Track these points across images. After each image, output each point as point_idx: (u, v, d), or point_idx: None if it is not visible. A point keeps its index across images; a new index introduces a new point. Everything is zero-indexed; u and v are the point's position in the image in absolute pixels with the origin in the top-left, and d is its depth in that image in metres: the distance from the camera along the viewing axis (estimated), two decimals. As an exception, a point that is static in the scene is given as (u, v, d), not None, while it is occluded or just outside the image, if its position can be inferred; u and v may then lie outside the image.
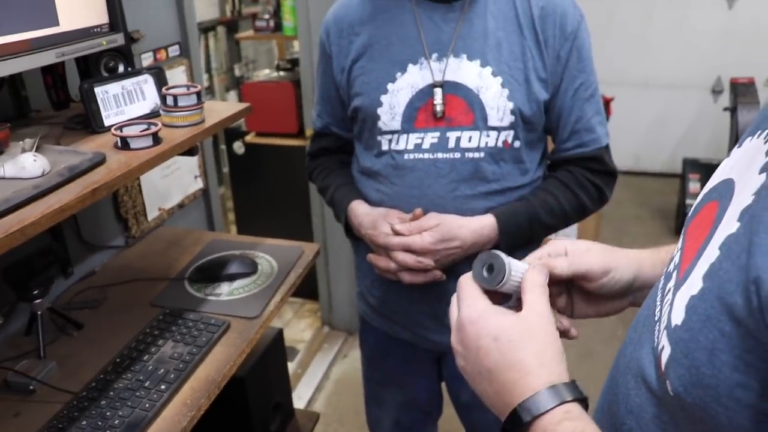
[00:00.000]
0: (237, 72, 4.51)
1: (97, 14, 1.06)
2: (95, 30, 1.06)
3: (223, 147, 3.34)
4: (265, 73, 3.35)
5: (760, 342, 0.42)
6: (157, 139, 1.03)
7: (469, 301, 0.66)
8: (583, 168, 1.36)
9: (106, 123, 1.11)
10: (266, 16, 3.11)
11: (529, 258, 0.79)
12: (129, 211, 1.61)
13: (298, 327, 3.23)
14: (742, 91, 3.65)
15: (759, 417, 0.43)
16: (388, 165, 1.35)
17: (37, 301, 1.22)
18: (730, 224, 0.48)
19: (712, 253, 0.48)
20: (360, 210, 1.38)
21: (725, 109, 3.78)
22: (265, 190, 3.21)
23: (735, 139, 3.57)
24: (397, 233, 1.28)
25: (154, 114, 1.17)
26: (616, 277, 0.77)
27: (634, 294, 0.80)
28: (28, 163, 0.87)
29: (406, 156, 1.32)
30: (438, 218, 1.28)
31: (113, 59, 1.18)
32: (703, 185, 2.98)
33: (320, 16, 2.65)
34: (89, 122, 1.10)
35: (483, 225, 1.29)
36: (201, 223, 1.90)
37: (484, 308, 0.65)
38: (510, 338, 0.61)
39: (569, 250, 0.79)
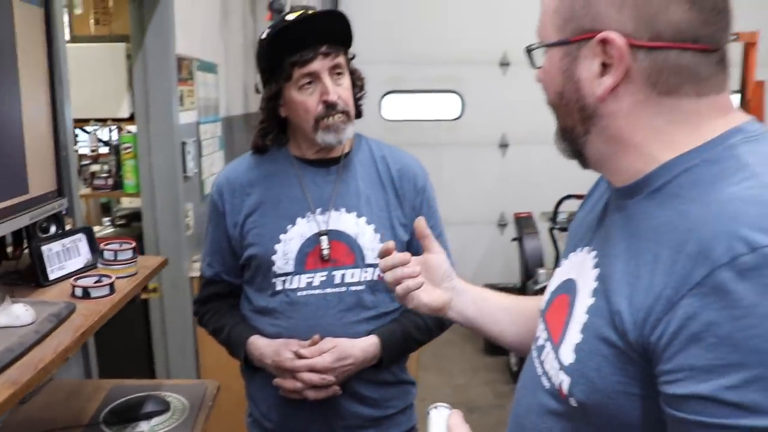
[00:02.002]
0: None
1: (50, 181, 1.25)
2: (49, 195, 1.24)
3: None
4: (96, 230, 3.44)
5: (626, 353, 0.74)
6: (112, 288, 1.21)
7: None
8: (438, 293, 1.71)
9: (51, 277, 1.26)
10: (104, 175, 3.24)
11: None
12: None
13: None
14: (524, 223, 4.38)
15: (637, 401, 0.74)
16: (283, 302, 1.60)
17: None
18: (586, 300, 0.82)
19: (581, 318, 0.82)
20: (260, 342, 1.60)
21: (513, 239, 4.48)
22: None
23: (525, 263, 4.23)
24: (301, 357, 1.52)
25: (88, 267, 1.34)
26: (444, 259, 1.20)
27: (451, 291, 1.18)
28: (21, 312, 1.02)
29: (299, 293, 1.58)
30: (333, 341, 1.54)
31: (47, 220, 1.35)
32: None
33: (164, 174, 2.88)
34: (36, 277, 1.24)
35: (369, 344, 1.57)
36: (79, 374, 1.97)
37: None
38: None
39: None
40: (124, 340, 3.04)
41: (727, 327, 0.64)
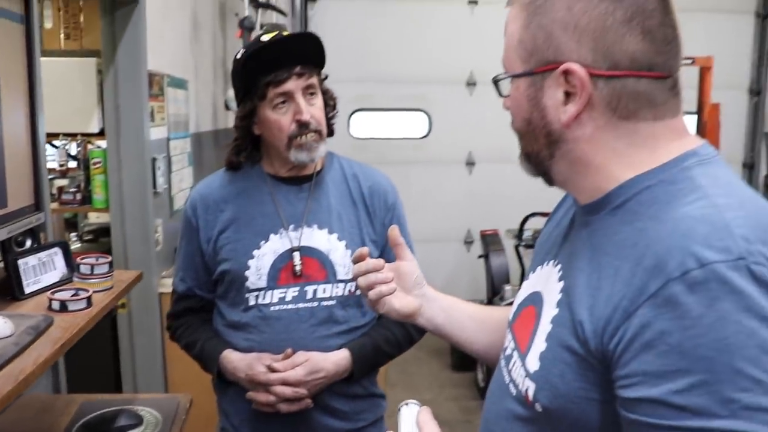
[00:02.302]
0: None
1: (28, 195, 1.26)
2: (27, 209, 1.26)
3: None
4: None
5: (587, 360, 0.79)
6: (90, 301, 1.23)
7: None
8: (408, 307, 1.75)
9: (27, 291, 1.27)
10: (73, 190, 3.22)
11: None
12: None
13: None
14: (490, 240, 4.45)
15: (597, 406, 0.79)
16: (256, 317, 1.62)
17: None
18: (551, 311, 0.87)
19: (546, 328, 0.87)
20: (233, 357, 1.62)
21: (479, 256, 4.55)
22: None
23: (491, 280, 4.30)
24: (274, 370, 1.54)
25: (64, 281, 1.35)
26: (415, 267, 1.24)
27: (422, 298, 1.21)
28: (0, 324, 1.04)
29: (272, 308, 1.61)
30: (306, 355, 1.57)
31: (22, 234, 1.36)
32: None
33: (134, 190, 2.88)
34: (12, 290, 1.25)
35: (341, 357, 1.60)
36: (48, 388, 1.95)
37: None
38: None
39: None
40: (91, 356, 3.01)
41: (677, 336, 0.69)
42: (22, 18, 1.22)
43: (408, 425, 0.99)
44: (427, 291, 1.23)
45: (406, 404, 1.02)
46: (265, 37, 1.57)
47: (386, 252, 1.71)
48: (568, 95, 0.83)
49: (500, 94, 0.93)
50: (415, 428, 0.96)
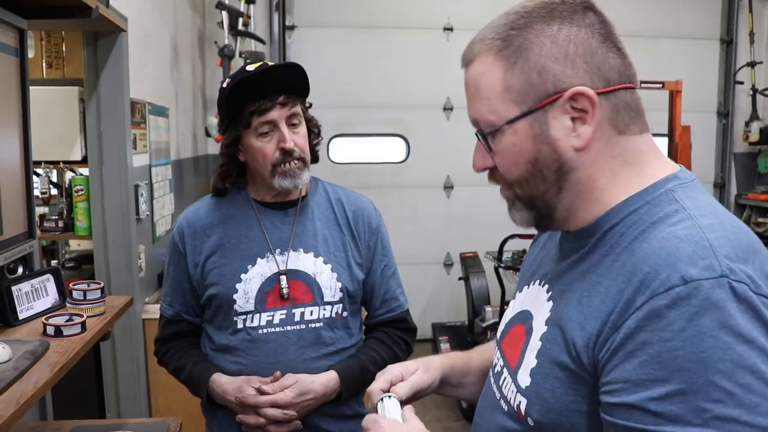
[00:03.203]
0: None
1: (21, 222, 1.29)
2: (20, 236, 1.28)
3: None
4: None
5: (579, 375, 0.84)
6: (84, 326, 1.25)
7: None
8: (393, 328, 1.78)
9: (20, 317, 1.29)
10: (54, 217, 3.22)
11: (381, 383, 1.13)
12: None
13: None
14: (470, 263, 4.49)
15: (587, 417, 0.84)
16: (244, 340, 1.65)
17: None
18: (540, 329, 0.92)
19: (536, 345, 0.91)
20: (222, 380, 1.64)
21: (459, 278, 4.60)
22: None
23: (471, 301, 4.34)
24: (263, 393, 1.56)
25: (56, 307, 1.37)
26: (434, 385, 1.18)
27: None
28: (-2, 350, 1.06)
29: (260, 331, 1.64)
30: (294, 377, 1.59)
31: (14, 261, 1.38)
32: (451, 345, 3.72)
33: (117, 216, 2.89)
34: (5, 316, 1.27)
35: (329, 379, 1.62)
36: (35, 416, 1.95)
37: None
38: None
39: (404, 374, 1.17)
40: (74, 382, 2.99)
41: (657, 347, 0.74)
42: (17, 51, 1.26)
43: (395, 414, 1.03)
44: (439, 381, 1.20)
45: (389, 396, 1.07)
46: (251, 67, 1.61)
47: (371, 274, 1.75)
48: (573, 121, 0.87)
49: (489, 150, 0.92)
50: (400, 419, 1.02)
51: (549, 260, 1.02)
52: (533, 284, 1.03)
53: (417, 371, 1.18)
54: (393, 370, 1.17)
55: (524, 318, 1.00)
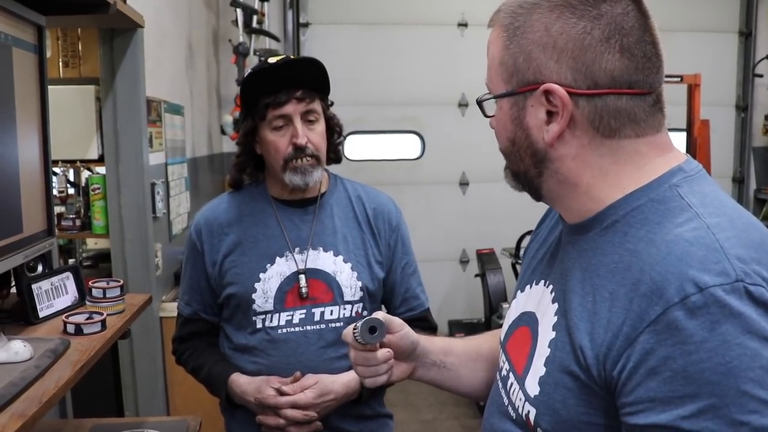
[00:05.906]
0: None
1: (41, 220, 1.27)
2: (40, 234, 1.27)
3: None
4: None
5: (589, 386, 0.80)
6: (104, 324, 1.24)
7: None
8: (413, 327, 1.75)
9: (41, 315, 1.28)
10: (72, 216, 3.23)
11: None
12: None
13: None
14: (486, 259, 4.47)
15: (601, 430, 0.81)
16: (263, 340, 1.63)
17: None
18: (548, 334, 0.88)
19: (544, 352, 0.88)
20: (241, 380, 1.62)
21: (476, 275, 4.56)
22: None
23: (488, 298, 4.31)
24: (283, 393, 1.55)
25: (76, 305, 1.36)
26: (408, 339, 1.16)
27: (415, 360, 1.18)
28: (20, 348, 1.04)
29: (279, 331, 1.62)
30: (315, 378, 1.57)
31: (33, 260, 1.37)
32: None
33: (134, 215, 2.89)
34: (26, 315, 1.26)
35: (350, 379, 1.60)
36: (55, 414, 1.95)
37: None
38: None
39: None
40: (92, 380, 2.99)
41: (681, 361, 0.70)
42: (36, 48, 1.25)
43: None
44: (419, 348, 1.18)
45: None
46: (272, 59, 1.60)
47: (391, 272, 1.73)
48: (550, 114, 0.85)
49: (485, 115, 0.95)
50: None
51: (550, 257, 0.99)
52: (536, 284, 1.00)
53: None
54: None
55: (529, 321, 0.97)
